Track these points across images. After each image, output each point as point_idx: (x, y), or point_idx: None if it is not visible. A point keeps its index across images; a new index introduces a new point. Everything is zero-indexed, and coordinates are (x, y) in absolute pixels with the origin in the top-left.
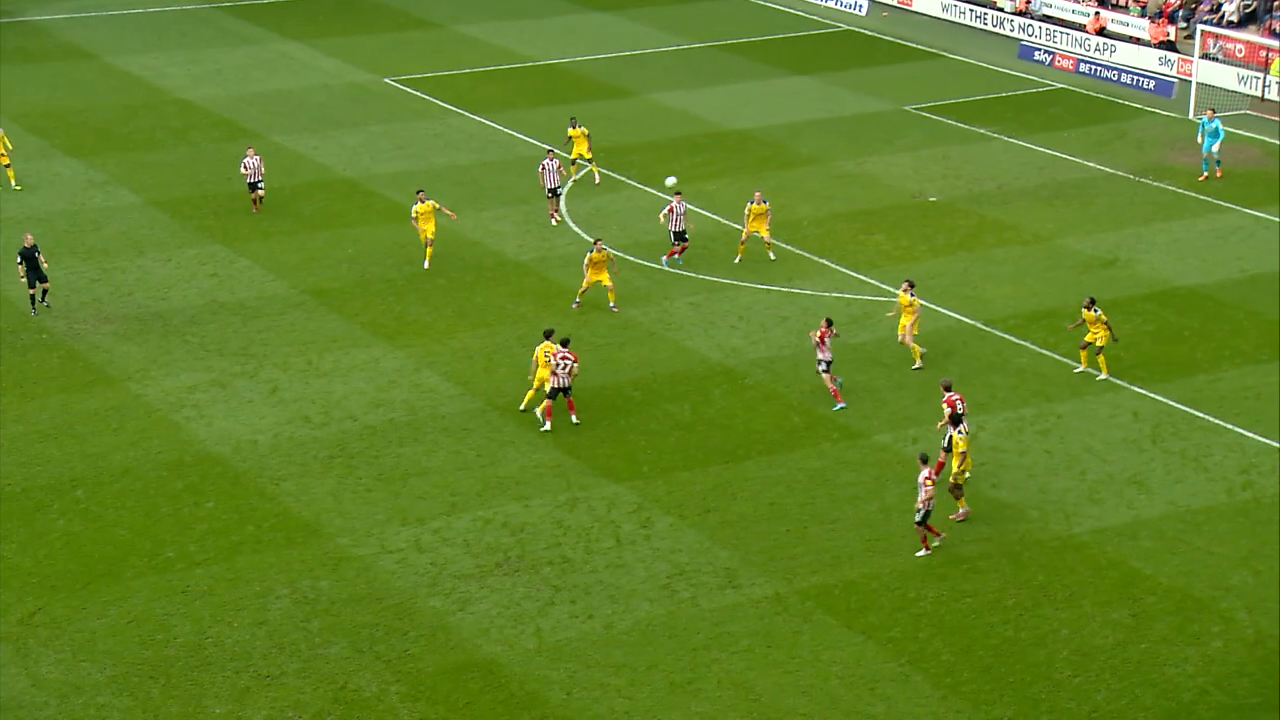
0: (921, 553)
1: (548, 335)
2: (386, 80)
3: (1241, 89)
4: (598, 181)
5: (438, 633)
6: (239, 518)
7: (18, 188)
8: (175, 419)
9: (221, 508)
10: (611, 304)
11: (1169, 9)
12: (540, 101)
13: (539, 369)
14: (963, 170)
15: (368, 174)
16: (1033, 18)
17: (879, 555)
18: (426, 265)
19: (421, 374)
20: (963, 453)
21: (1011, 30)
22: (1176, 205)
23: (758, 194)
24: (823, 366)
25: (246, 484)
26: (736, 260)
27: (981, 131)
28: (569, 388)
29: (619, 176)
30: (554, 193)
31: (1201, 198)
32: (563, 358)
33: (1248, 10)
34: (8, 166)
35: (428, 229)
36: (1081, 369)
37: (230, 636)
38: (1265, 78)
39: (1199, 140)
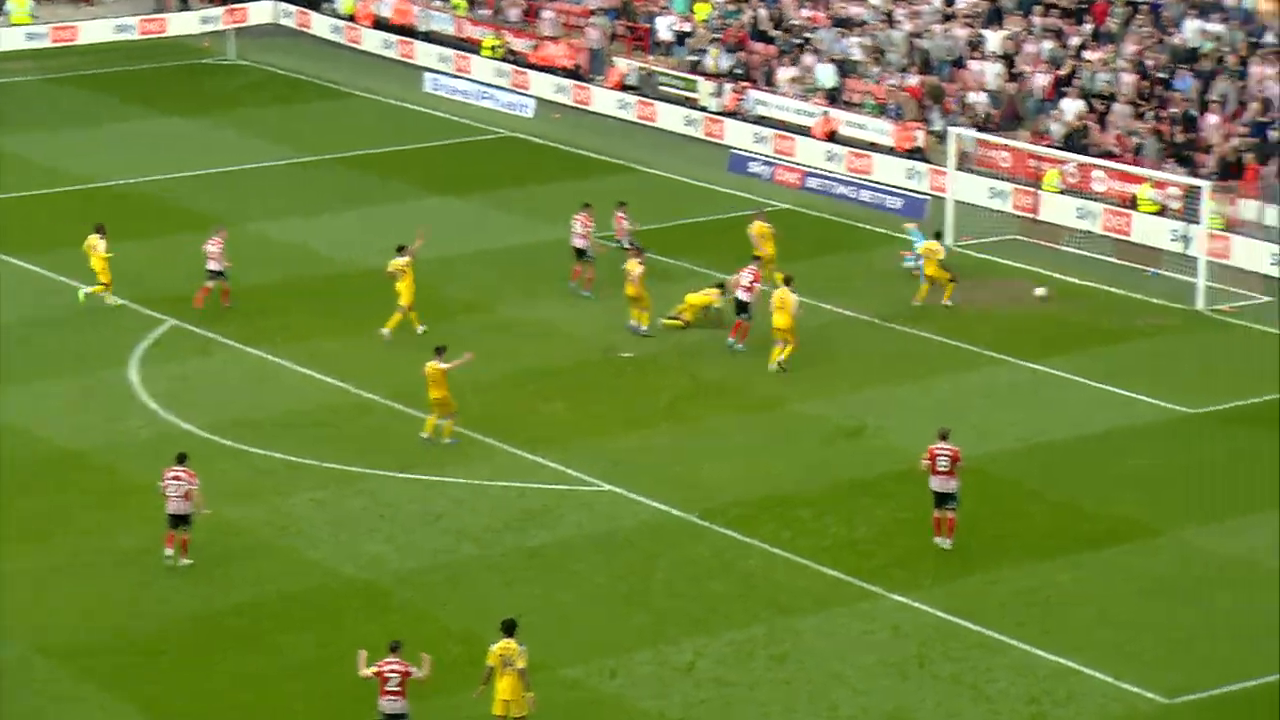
0: None
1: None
2: None
3: (1007, 208)
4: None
5: None
6: None
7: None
8: None
9: None
10: None
11: (917, 98)
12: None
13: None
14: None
15: None
16: (746, 119)
17: None
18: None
19: None
20: (490, 667)
21: (720, 136)
22: (936, 357)
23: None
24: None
25: None
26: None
27: (686, 266)
28: (187, 518)
29: (211, 334)
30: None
31: (968, 347)
32: (174, 478)
33: (1009, 107)
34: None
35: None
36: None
37: None
38: (1039, 194)
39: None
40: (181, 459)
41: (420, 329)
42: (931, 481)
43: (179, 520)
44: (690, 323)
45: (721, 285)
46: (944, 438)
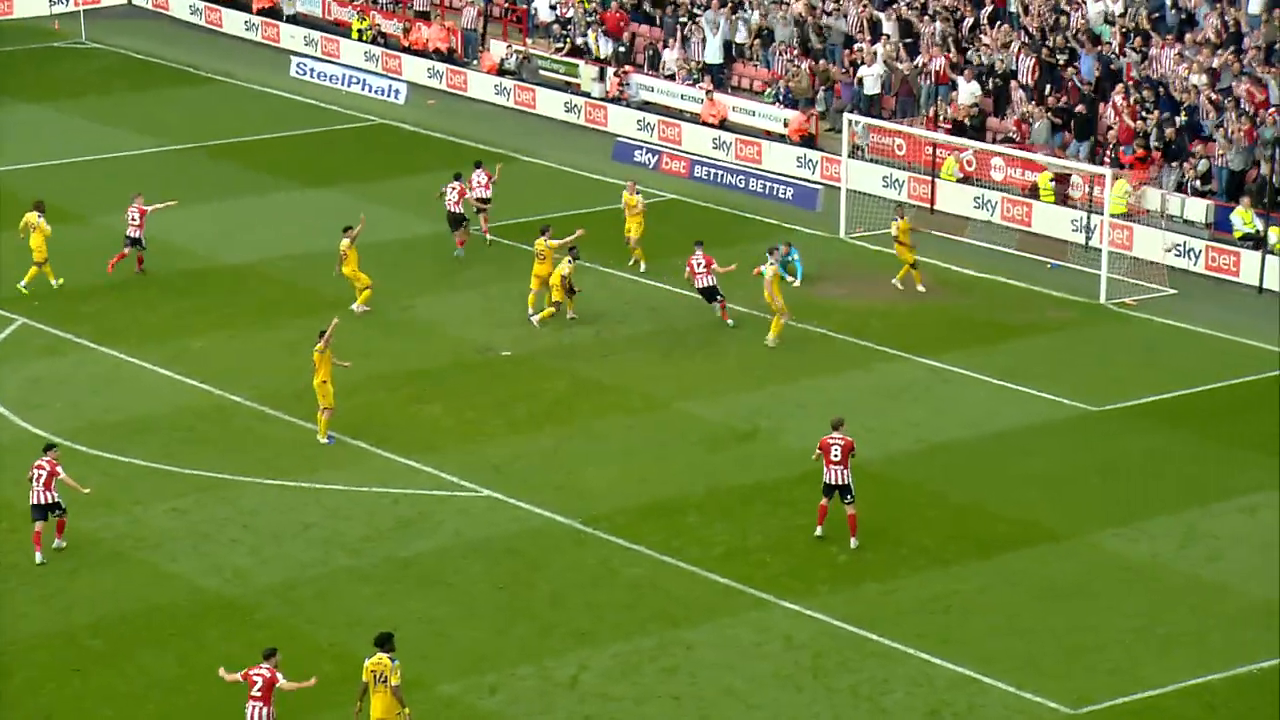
0: None
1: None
2: None
3: (903, 198)
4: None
5: None
6: None
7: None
8: None
9: None
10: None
11: (812, 79)
12: None
13: None
14: None
15: None
16: (630, 106)
17: None
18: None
19: None
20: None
21: (603, 122)
22: (830, 354)
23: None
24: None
25: None
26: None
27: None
28: (55, 505)
29: (63, 334)
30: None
31: (863, 343)
32: (37, 467)
33: (903, 92)
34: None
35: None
36: (912, 287)
37: None
38: (935, 182)
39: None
40: (48, 448)
41: (361, 308)
42: (824, 472)
43: (45, 510)
44: (560, 302)
45: (572, 249)
46: (837, 428)
